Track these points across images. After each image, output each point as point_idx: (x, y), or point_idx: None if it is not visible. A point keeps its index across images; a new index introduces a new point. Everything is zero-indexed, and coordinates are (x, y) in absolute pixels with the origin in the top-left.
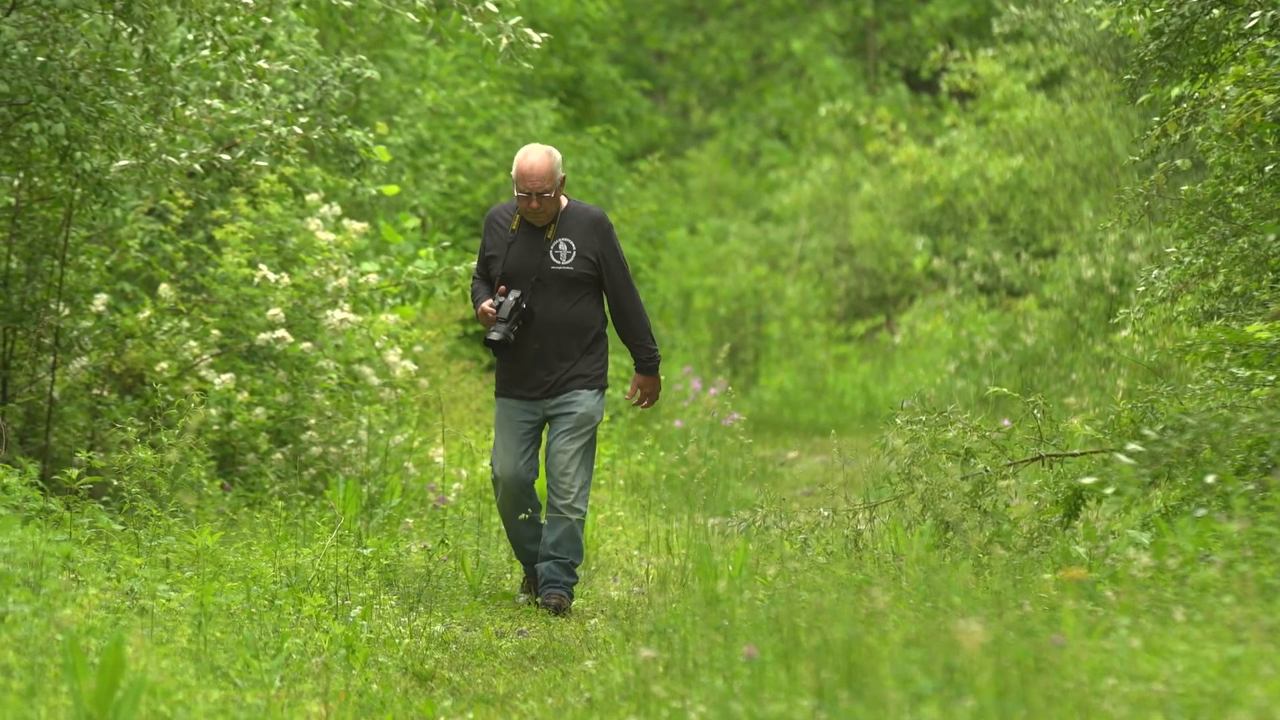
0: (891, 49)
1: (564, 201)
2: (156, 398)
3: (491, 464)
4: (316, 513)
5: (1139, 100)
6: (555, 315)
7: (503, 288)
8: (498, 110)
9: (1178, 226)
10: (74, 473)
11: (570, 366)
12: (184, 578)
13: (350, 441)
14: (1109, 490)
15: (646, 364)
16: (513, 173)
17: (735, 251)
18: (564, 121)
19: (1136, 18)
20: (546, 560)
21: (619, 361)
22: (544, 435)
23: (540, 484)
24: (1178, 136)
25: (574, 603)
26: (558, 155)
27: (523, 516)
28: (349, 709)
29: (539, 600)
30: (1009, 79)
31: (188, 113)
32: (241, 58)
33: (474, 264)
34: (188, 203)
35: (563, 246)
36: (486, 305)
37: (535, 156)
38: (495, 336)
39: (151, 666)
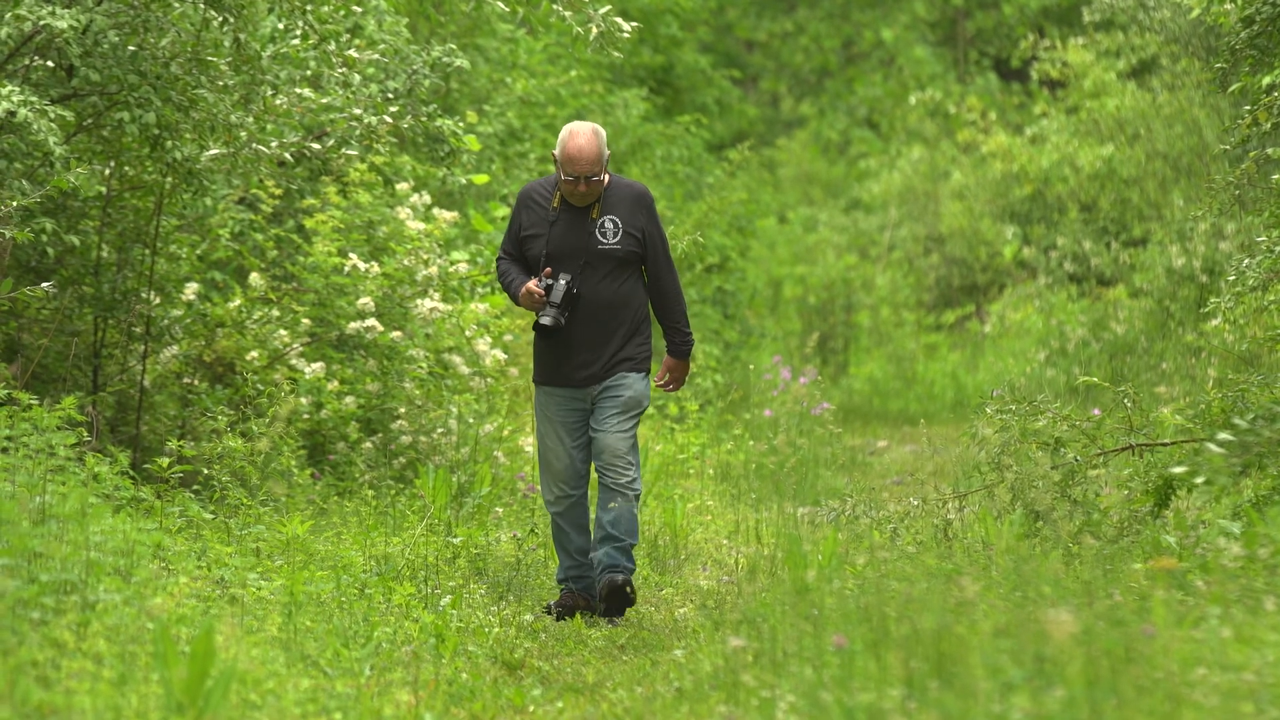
0: (981, 37)
1: (606, 177)
2: (247, 386)
3: (540, 457)
4: (406, 501)
5: (1230, 89)
6: (602, 297)
7: (548, 270)
8: (588, 99)
9: (1269, 215)
10: (165, 461)
11: (617, 350)
12: (274, 566)
13: (440, 430)
14: (1200, 480)
15: (680, 347)
16: (556, 153)
17: (825, 240)
18: (654, 110)
19: (1227, 6)
20: (604, 544)
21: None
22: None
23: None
24: (1269, 125)
25: (663, 592)
26: (604, 133)
27: (567, 500)
28: (439, 698)
29: (599, 592)
30: (1099, 67)
31: (278, 102)
32: (332, 46)
33: None
34: (278, 192)
35: (609, 224)
36: (533, 286)
37: (583, 138)
38: (547, 321)
39: (242, 655)
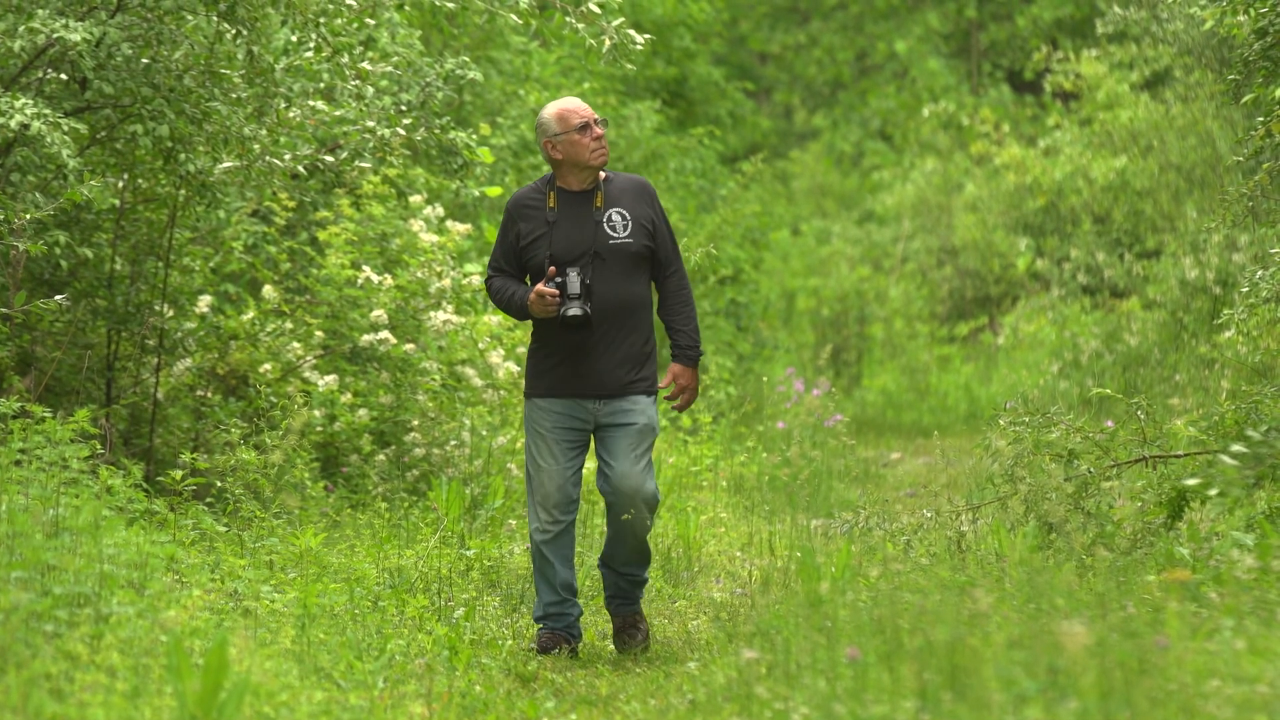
0: (995, 49)
1: (601, 172)
2: (260, 399)
3: (529, 479)
4: (419, 514)
5: (1243, 100)
6: (616, 298)
7: (552, 269)
8: (601, 111)
9: None
10: (178, 474)
11: (632, 365)
12: (287, 579)
13: (453, 443)
14: (1213, 491)
15: (689, 351)
16: (551, 125)
17: (838, 252)
18: (667, 123)
19: (1241, 18)
20: (612, 573)
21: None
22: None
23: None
24: None
25: (676, 604)
26: None
27: (553, 528)
28: (452, 710)
29: (618, 634)
30: (1112, 79)
31: (291, 114)
32: (345, 59)
33: None
34: (291, 204)
35: (616, 217)
36: (542, 288)
37: (567, 98)
38: (577, 312)
39: (255, 668)
